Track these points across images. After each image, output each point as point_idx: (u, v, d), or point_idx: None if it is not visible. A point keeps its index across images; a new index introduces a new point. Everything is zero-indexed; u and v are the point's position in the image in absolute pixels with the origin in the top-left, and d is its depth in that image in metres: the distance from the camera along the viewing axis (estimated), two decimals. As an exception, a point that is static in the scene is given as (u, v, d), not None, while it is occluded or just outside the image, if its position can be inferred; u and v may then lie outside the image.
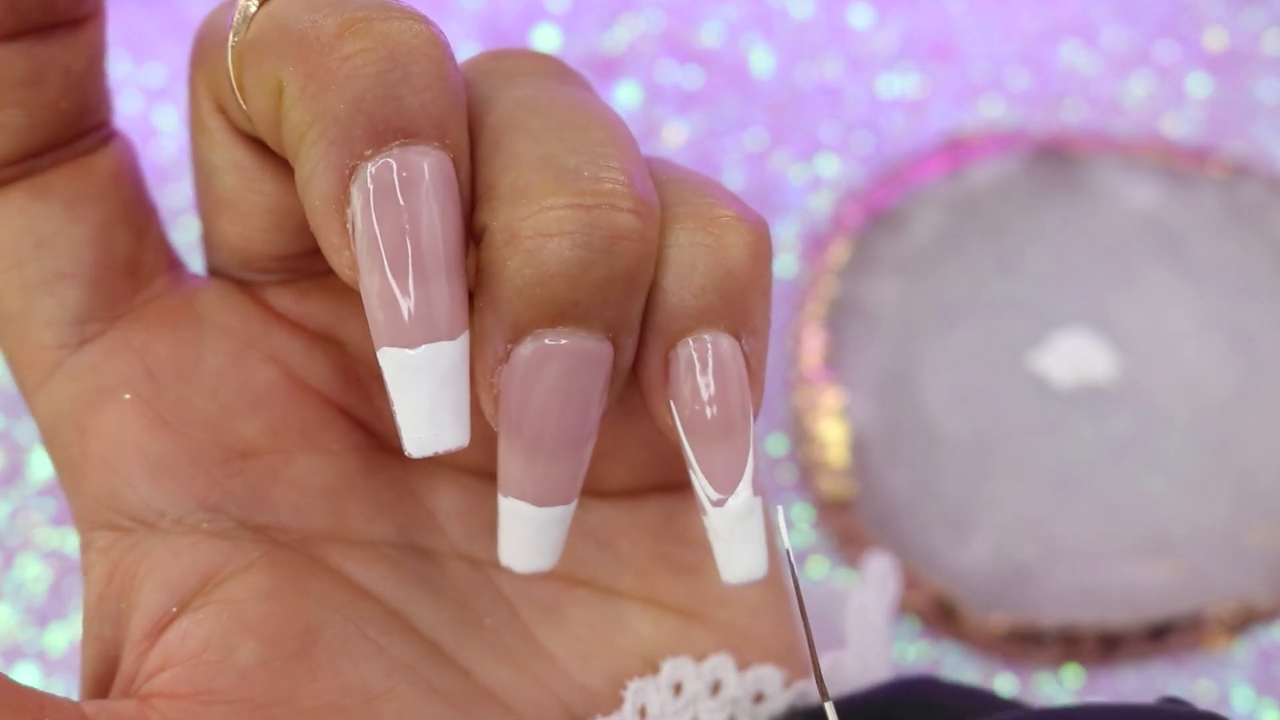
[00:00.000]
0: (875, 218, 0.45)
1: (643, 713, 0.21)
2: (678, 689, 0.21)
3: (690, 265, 0.18)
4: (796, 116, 0.47)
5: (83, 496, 0.20)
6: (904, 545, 0.40)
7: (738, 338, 0.18)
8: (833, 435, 0.41)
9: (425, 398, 0.17)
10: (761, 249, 0.19)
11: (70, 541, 0.40)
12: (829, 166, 0.46)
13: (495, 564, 0.22)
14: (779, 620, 0.23)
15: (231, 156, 0.19)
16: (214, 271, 0.21)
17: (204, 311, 0.21)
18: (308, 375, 0.21)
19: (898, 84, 0.48)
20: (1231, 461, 0.41)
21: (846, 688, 0.23)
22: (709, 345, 0.18)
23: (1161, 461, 0.41)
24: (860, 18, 0.49)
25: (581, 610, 0.22)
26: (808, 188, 0.46)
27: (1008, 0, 0.49)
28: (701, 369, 0.18)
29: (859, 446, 0.41)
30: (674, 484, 0.22)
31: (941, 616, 0.39)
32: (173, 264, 0.21)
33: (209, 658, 0.19)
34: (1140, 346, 0.43)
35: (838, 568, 0.41)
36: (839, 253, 0.44)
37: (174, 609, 0.19)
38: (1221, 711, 0.39)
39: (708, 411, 0.18)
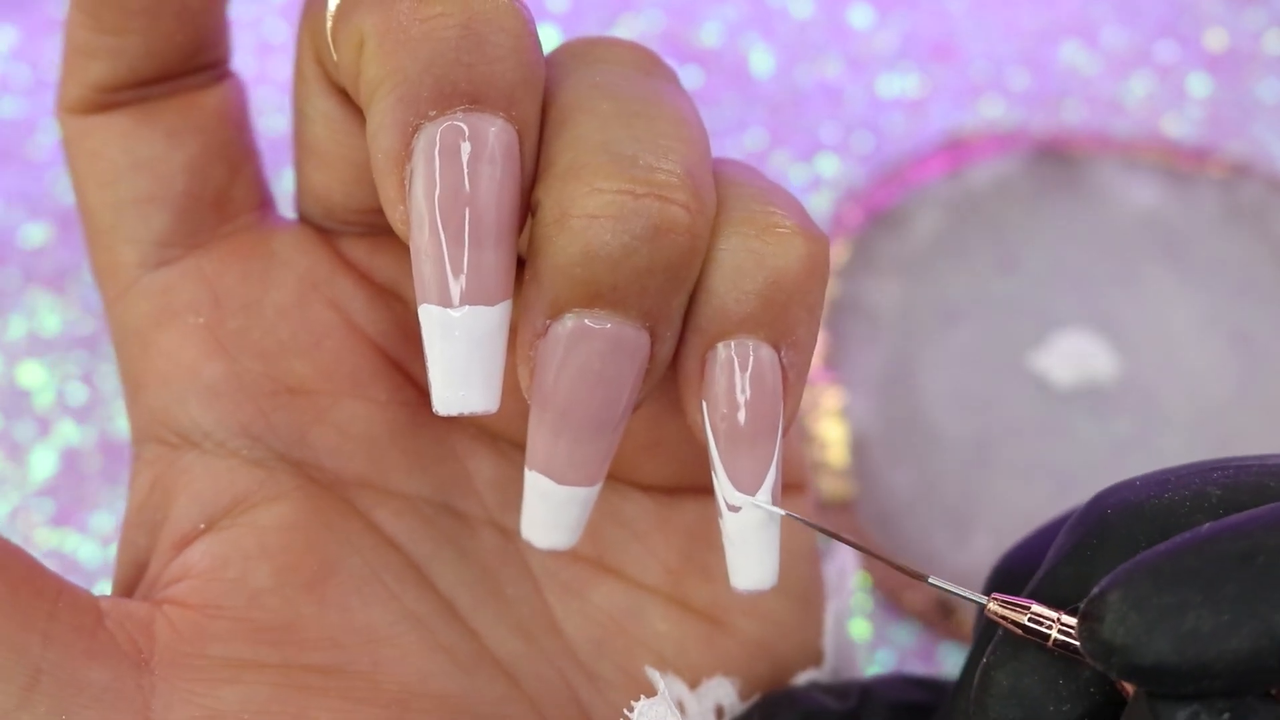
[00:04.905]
0: (875, 218, 0.44)
1: (681, 708, 0.21)
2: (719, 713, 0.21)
3: (738, 269, 0.18)
4: (796, 116, 0.47)
5: (139, 408, 0.21)
6: (904, 545, 0.40)
7: (777, 348, 0.18)
8: (833, 435, 0.41)
9: (459, 358, 0.17)
10: (815, 264, 0.19)
11: (70, 541, 0.40)
12: (829, 166, 0.46)
13: None
14: (803, 640, 0.23)
15: (322, 107, 0.20)
16: (302, 217, 0.22)
17: (277, 250, 0.22)
18: (366, 325, 0.22)
19: (898, 84, 0.48)
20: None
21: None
22: (749, 351, 0.18)
23: (1162, 461, 0.41)
24: (860, 18, 0.49)
25: (605, 597, 0.22)
26: (808, 188, 0.46)
27: (1008, 0, 0.49)
28: (737, 373, 0.18)
29: (859, 446, 0.41)
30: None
31: (942, 616, 0.39)
32: (262, 204, 0.22)
33: (224, 575, 0.20)
34: (1141, 346, 0.43)
35: (838, 568, 0.41)
36: (839, 253, 0.44)
37: (202, 525, 0.20)
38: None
39: (737, 416, 0.18)
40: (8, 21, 0.47)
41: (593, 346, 0.18)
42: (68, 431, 0.41)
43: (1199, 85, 0.48)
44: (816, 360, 0.42)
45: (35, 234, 0.44)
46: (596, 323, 0.18)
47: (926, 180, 0.45)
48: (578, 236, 0.17)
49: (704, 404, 0.19)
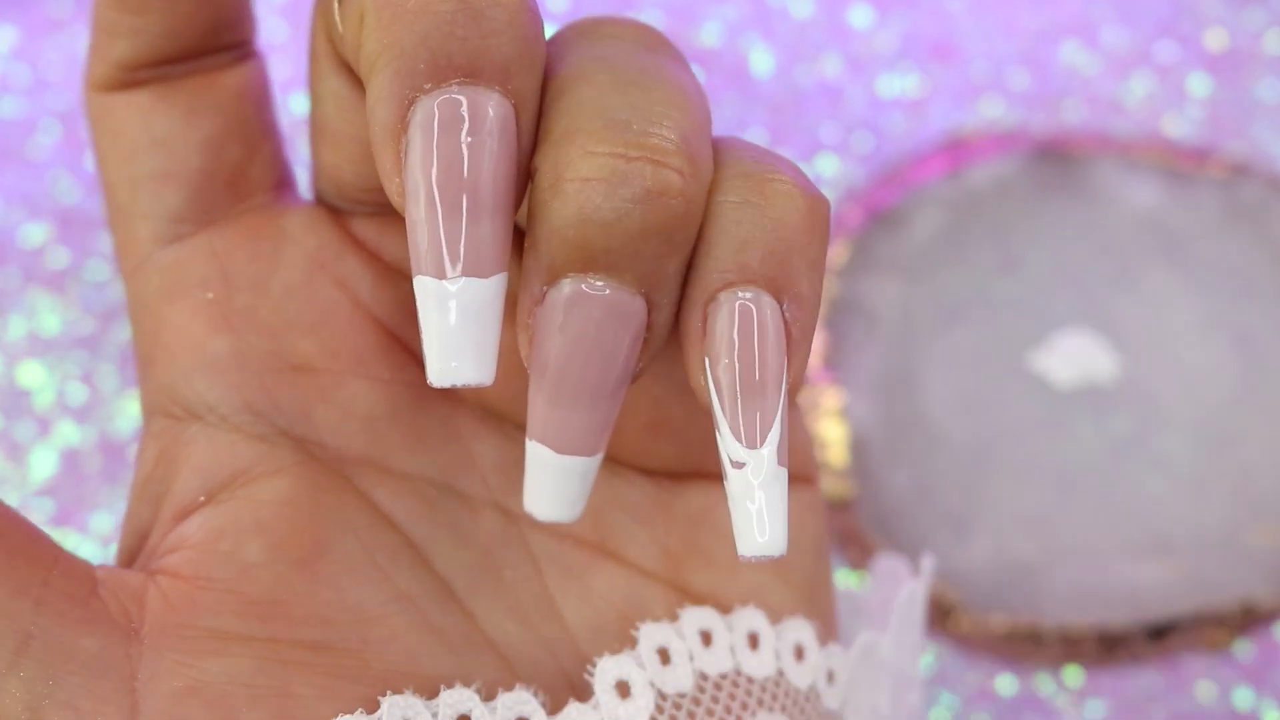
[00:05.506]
0: (875, 218, 0.45)
1: (754, 640, 0.21)
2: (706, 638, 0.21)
3: (735, 222, 0.18)
4: (796, 116, 0.47)
5: (149, 382, 0.21)
6: (904, 545, 0.40)
7: (780, 301, 0.18)
8: (833, 435, 0.41)
9: (453, 329, 0.17)
10: (815, 219, 0.19)
11: (70, 542, 0.40)
12: (829, 166, 0.46)
13: (529, 520, 0.22)
14: None
15: (332, 85, 0.20)
16: (317, 198, 0.23)
17: (288, 229, 0.22)
18: (373, 305, 0.22)
19: (898, 84, 0.48)
20: (1231, 461, 0.41)
21: (877, 669, 0.23)
22: (750, 302, 0.18)
23: (1161, 461, 0.41)
24: (860, 18, 0.49)
25: (606, 583, 0.22)
26: (808, 188, 0.46)
27: (1008, 0, 0.49)
28: (738, 322, 0.18)
29: (859, 446, 0.41)
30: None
31: (941, 617, 0.39)
32: (280, 184, 0.22)
33: (218, 548, 0.20)
34: (1141, 346, 0.43)
35: (838, 568, 0.41)
36: (839, 253, 0.44)
37: (201, 498, 0.20)
38: (1221, 712, 0.39)
39: (738, 365, 0.18)
40: (8, 21, 0.47)
41: (588, 312, 0.18)
42: (68, 431, 0.41)
43: (1199, 85, 0.48)
44: (816, 360, 0.42)
45: (35, 234, 0.44)
46: (592, 288, 0.18)
47: (926, 180, 0.45)
48: (571, 200, 0.17)
49: (706, 362, 0.19)
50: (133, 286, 0.22)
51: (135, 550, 0.21)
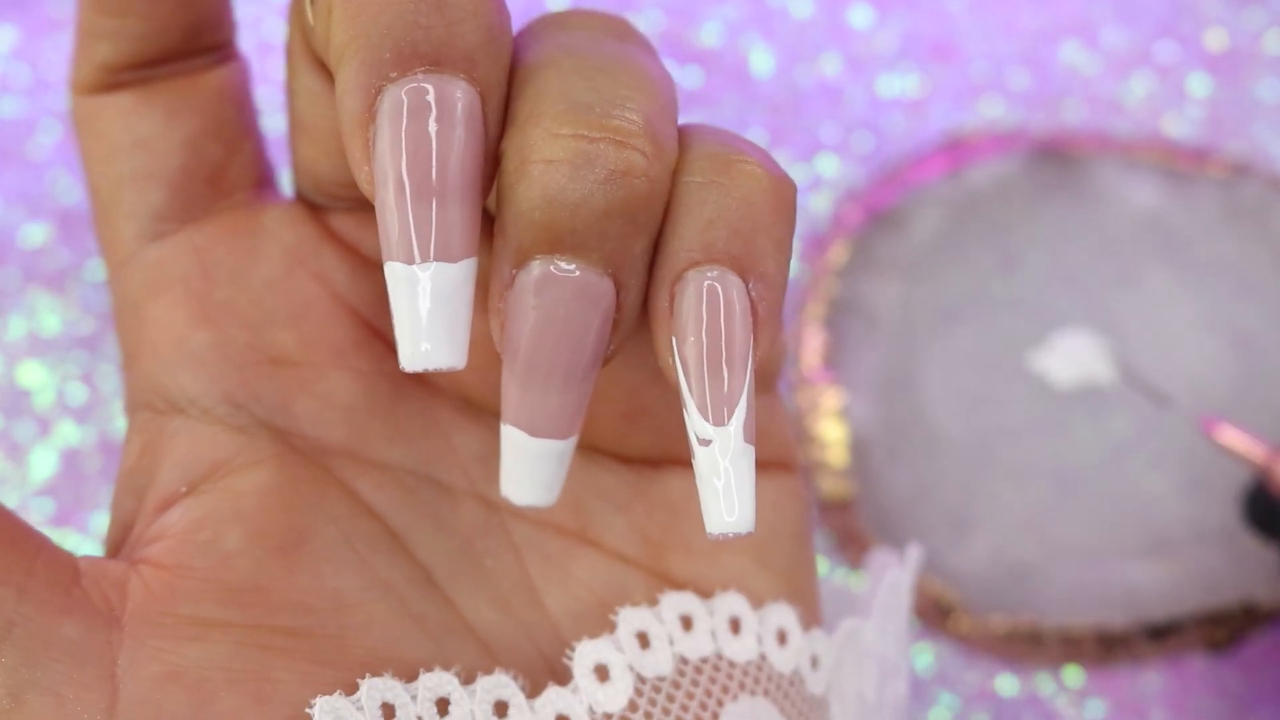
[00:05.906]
0: (875, 218, 0.44)
1: (735, 625, 0.21)
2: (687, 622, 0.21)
3: (700, 202, 0.18)
4: (796, 116, 0.47)
5: (133, 376, 0.22)
6: (904, 545, 0.40)
7: (746, 280, 0.19)
8: (833, 435, 0.41)
9: (423, 314, 0.18)
10: (780, 200, 0.19)
11: (70, 542, 0.40)
12: (829, 166, 0.46)
13: (510, 509, 0.22)
14: None
15: (305, 82, 0.21)
16: (297, 194, 0.23)
17: (267, 224, 0.22)
18: (351, 298, 0.22)
19: (898, 84, 0.48)
20: (1231, 461, 0.41)
21: (862, 655, 0.23)
22: (716, 281, 0.18)
23: (1161, 461, 0.41)
24: (860, 18, 0.49)
25: (586, 570, 0.22)
26: (808, 188, 0.46)
27: (1008, 0, 0.49)
28: (704, 299, 0.18)
29: (859, 446, 0.41)
30: None
31: (941, 617, 0.39)
32: (261, 182, 0.23)
33: (198, 537, 0.20)
34: (1141, 346, 0.43)
35: (837, 568, 0.41)
36: (839, 253, 0.44)
37: (183, 489, 0.21)
38: (1221, 712, 0.39)
39: (705, 344, 0.18)
40: (8, 21, 0.47)
41: (557, 293, 0.18)
42: (68, 431, 0.41)
43: (1199, 85, 0.48)
44: (816, 360, 0.42)
45: (35, 234, 0.44)
46: (560, 270, 0.18)
47: (926, 180, 0.45)
48: (536, 182, 0.18)
49: (674, 341, 0.19)
50: (117, 284, 0.22)
51: (120, 541, 0.22)
